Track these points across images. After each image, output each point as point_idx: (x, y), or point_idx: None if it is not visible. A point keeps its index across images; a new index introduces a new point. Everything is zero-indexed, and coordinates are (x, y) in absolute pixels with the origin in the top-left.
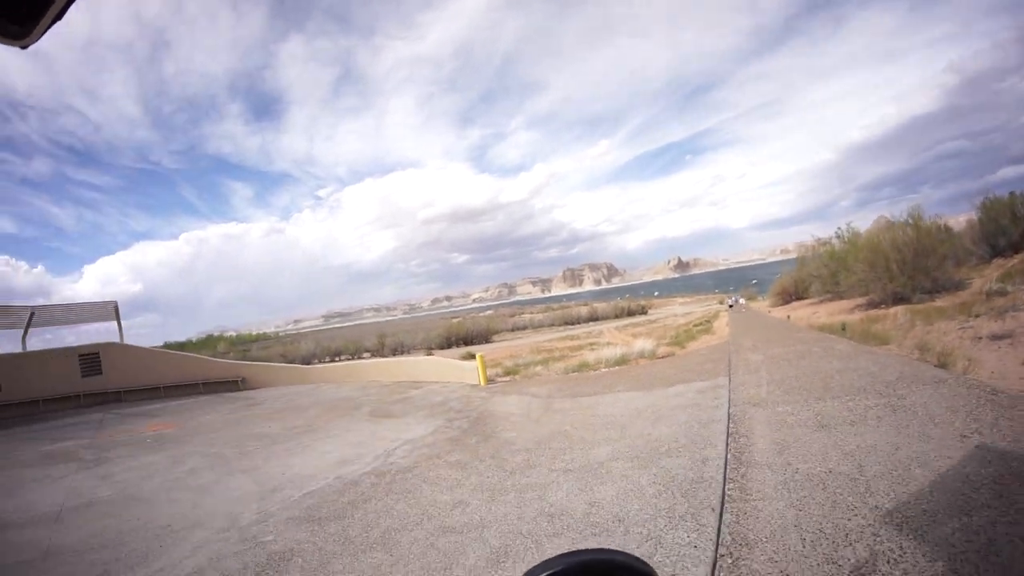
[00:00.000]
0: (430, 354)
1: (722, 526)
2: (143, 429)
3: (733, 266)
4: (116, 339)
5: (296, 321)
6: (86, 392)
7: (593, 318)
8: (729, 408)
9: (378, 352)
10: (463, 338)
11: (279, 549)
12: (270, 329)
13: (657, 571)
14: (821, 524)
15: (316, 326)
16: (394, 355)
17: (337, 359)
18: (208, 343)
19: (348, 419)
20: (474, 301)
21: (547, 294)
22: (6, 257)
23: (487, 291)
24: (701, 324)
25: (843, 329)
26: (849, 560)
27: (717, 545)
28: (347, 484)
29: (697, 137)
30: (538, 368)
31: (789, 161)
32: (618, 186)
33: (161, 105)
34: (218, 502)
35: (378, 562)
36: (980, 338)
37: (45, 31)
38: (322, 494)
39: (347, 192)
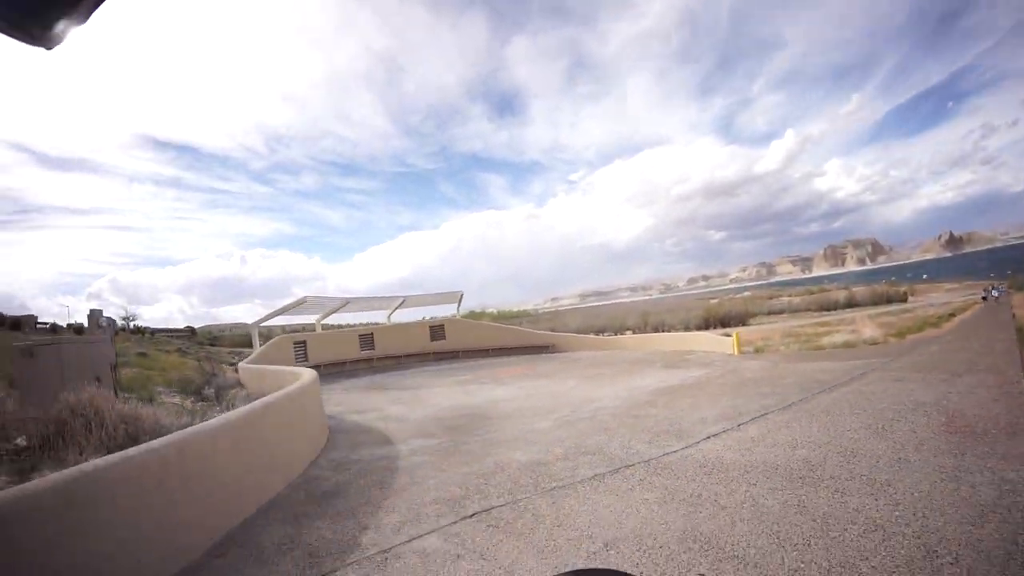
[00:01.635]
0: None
1: (811, 396)
2: (506, 372)
3: (1014, 242)
4: (448, 315)
5: (553, 299)
6: (433, 351)
7: (850, 304)
8: (866, 371)
9: (640, 330)
10: (720, 320)
11: (647, 399)
12: (529, 307)
13: None
14: (851, 402)
15: (573, 304)
16: (656, 332)
17: (601, 334)
18: (472, 318)
19: (651, 368)
20: (731, 281)
21: (808, 274)
22: (286, 251)
23: (744, 271)
24: (942, 317)
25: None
26: (856, 411)
27: (808, 396)
28: (668, 387)
29: (955, 79)
30: (780, 348)
31: None
32: (877, 147)
33: (408, 117)
34: (604, 394)
35: (692, 398)
36: None
37: (67, 34)
38: (657, 389)
39: (598, 174)
